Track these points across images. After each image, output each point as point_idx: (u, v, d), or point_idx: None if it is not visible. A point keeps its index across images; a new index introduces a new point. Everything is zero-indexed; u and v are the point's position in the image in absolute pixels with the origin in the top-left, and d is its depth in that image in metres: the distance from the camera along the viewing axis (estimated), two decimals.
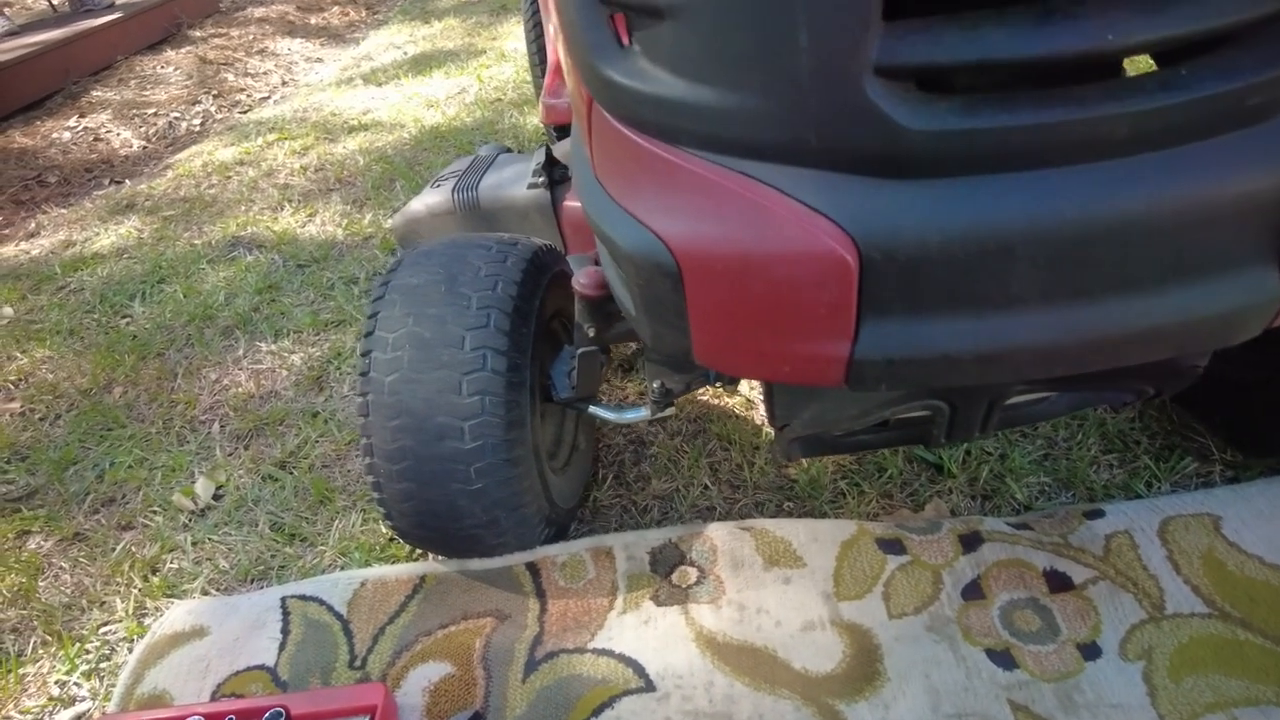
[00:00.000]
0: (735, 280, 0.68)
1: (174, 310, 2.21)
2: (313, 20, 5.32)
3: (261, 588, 1.37)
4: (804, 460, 1.42)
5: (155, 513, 1.56)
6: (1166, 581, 1.10)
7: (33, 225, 2.97)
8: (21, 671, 1.29)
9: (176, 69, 4.43)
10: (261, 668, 1.19)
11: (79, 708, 1.23)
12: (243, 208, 2.77)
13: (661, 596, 1.18)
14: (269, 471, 1.61)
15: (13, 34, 4.46)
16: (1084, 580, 1.13)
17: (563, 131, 1.95)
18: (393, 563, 1.36)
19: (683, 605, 1.17)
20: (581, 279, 1.11)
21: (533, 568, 1.24)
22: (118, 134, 3.71)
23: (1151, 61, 0.71)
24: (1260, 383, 1.21)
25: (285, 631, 1.24)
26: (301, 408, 1.77)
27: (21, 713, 1.23)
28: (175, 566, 1.45)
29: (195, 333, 2.09)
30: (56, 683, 1.27)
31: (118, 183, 3.28)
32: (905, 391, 0.89)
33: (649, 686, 1.07)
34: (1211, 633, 1.04)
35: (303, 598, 1.28)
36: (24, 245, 2.81)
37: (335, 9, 5.50)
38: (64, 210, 3.07)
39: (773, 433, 1.49)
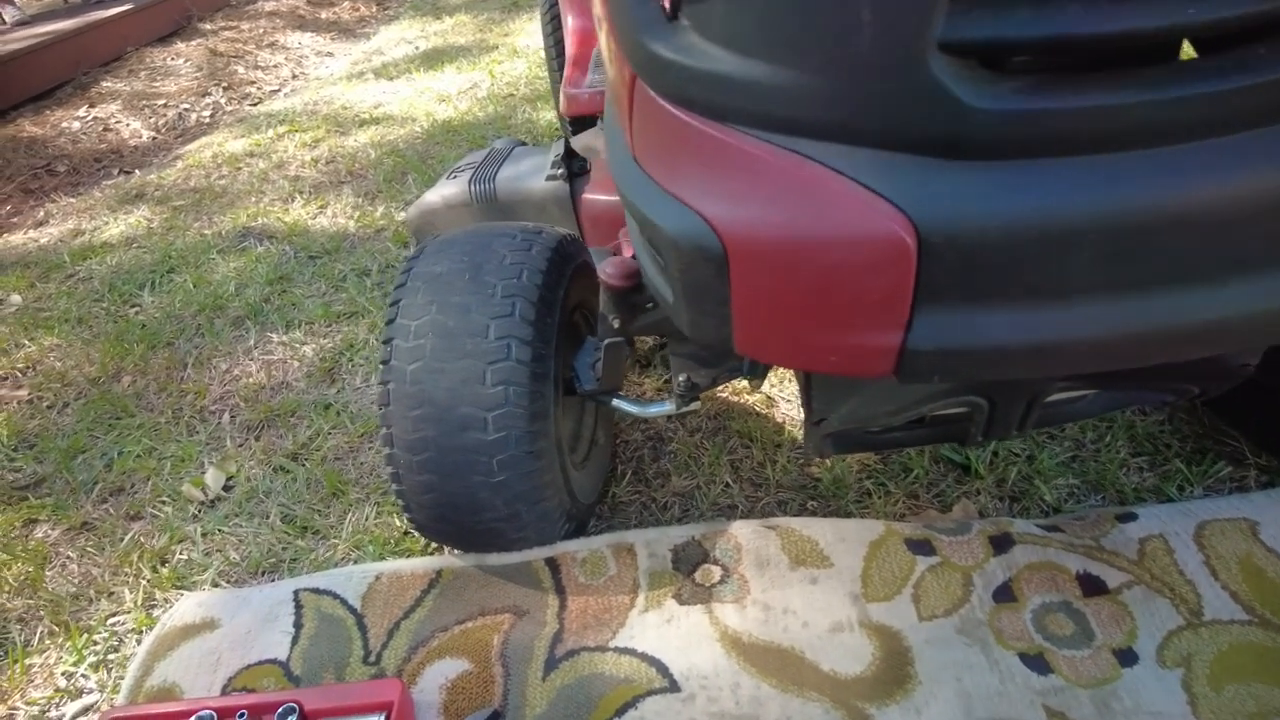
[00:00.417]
0: (785, 264, 0.66)
1: (184, 300, 2.18)
2: (323, 15, 5.30)
3: (273, 580, 1.35)
4: (828, 459, 1.40)
5: (164, 503, 1.54)
6: (1204, 587, 1.08)
7: (41, 214, 2.95)
8: (28, 662, 1.27)
9: (187, 61, 4.41)
10: (274, 662, 1.17)
11: (86, 700, 1.21)
12: (253, 199, 2.75)
13: (684, 595, 1.16)
14: (280, 463, 1.59)
15: (24, 24, 4.45)
16: (1118, 584, 1.10)
17: (580, 125, 1.93)
18: (408, 556, 1.33)
19: (706, 604, 1.14)
20: (608, 268, 1.09)
21: (552, 563, 1.21)
22: (127, 124, 3.69)
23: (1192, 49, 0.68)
24: None
25: (298, 625, 1.21)
26: (313, 399, 1.74)
27: (28, 704, 1.20)
28: (185, 557, 1.42)
29: (205, 323, 2.07)
30: (64, 674, 1.25)
31: (127, 173, 3.26)
32: (950, 385, 0.86)
33: (673, 687, 1.04)
34: (1252, 640, 1.01)
35: (316, 591, 1.26)
36: (33, 233, 2.79)
37: (346, 3, 5.48)
38: (73, 199, 3.05)
39: (795, 431, 1.46)
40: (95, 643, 1.29)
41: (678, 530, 1.25)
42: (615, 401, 1.23)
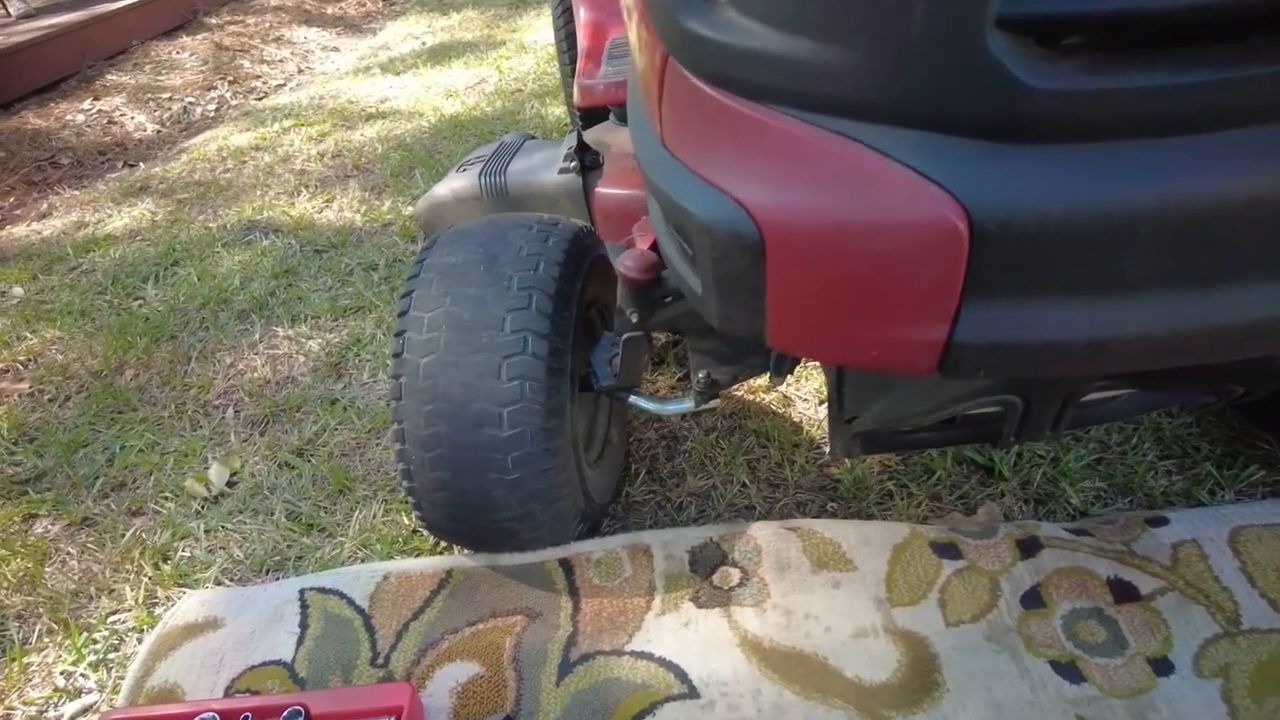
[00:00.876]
0: (826, 252, 0.62)
1: (188, 293, 2.15)
2: (329, 10, 5.27)
3: (278, 579, 1.31)
4: (848, 460, 1.36)
5: (167, 499, 1.51)
6: (1241, 595, 1.04)
7: (45, 206, 2.92)
8: (26, 661, 1.23)
9: (192, 55, 4.38)
10: (278, 663, 1.13)
11: (86, 700, 1.17)
12: (258, 192, 2.72)
13: (702, 598, 1.12)
14: (286, 459, 1.55)
15: (29, 16, 4.42)
16: (1151, 591, 1.07)
17: (591, 118, 1.90)
18: (417, 555, 1.30)
19: (725, 608, 1.11)
20: (627, 261, 1.06)
21: (566, 564, 1.18)
22: (132, 117, 3.66)
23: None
24: None
25: (303, 626, 1.18)
26: (320, 394, 1.71)
27: (26, 704, 1.17)
28: (187, 555, 1.39)
29: (209, 316, 2.04)
30: (62, 673, 1.21)
31: (131, 166, 3.23)
32: (988, 384, 0.83)
33: (692, 693, 1.01)
34: None
35: (322, 590, 1.22)
36: (36, 225, 2.76)
37: None
38: (77, 192, 3.02)
39: (813, 431, 1.43)
40: (95, 641, 1.25)
41: (695, 531, 1.21)
42: (632, 398, 1.20)
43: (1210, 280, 0.60)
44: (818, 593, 1.10)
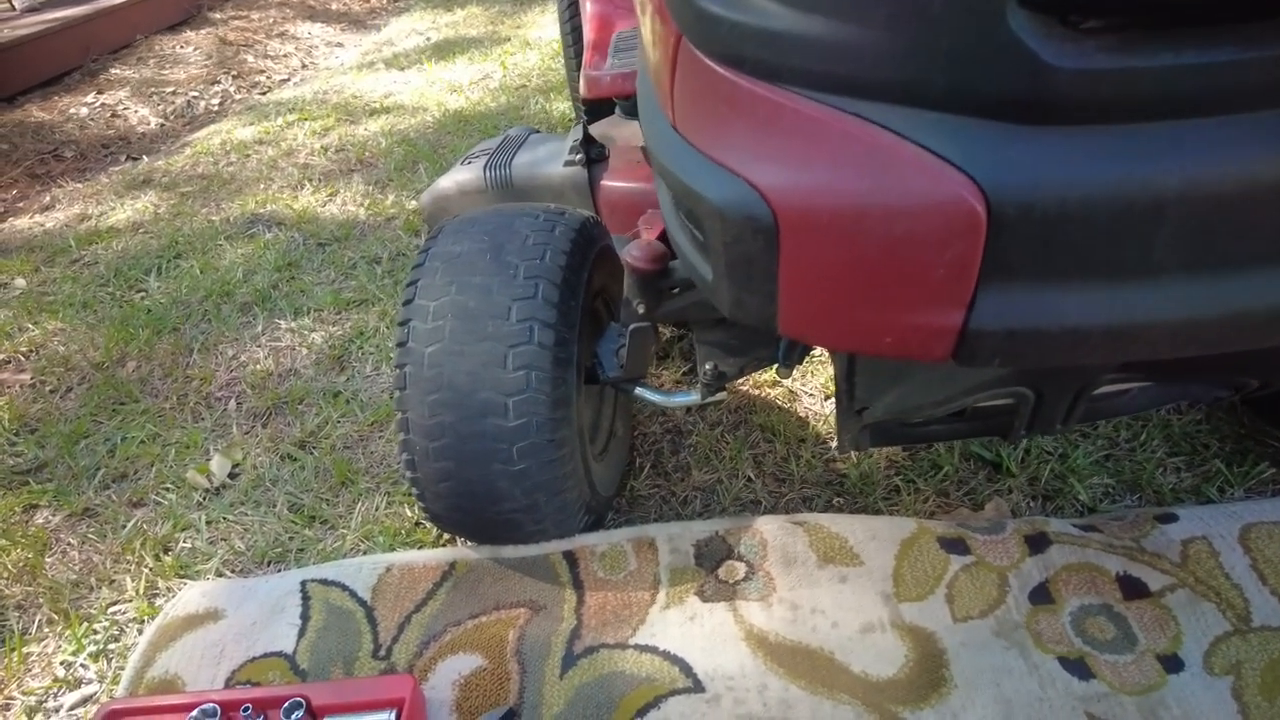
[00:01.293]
0: (840, 235, 0.61)
1: (190, 285, 2.14)
2: (333, 5, 5.26)
3: (280, 570, 1.30)
4: (854, 455, 1.35)
5: (168, 490, 1.50)
6: (1251, 592, 1.03)
7: (48, 199, 2.91)
8: (26, 651, 1.22)
9: (196, 49, 4.37)
10: (279, 655, 1.13)
11: (85, 690, 1.17)
12: (262, 186, 2.71)
13: (707, 592, 1.11)
14: (288, 451, 1.54)
15: (33, 10, 4.41)
16: (1161, 587, 1.06)
17: (596, 111, 1.89)
18: (419, 548, 1.29)
19: (730, 602, 1.10)
20: (634, 251, 1.05)
21: (570, 557, 1.17)
22: (136, 111, 3.65)
23: None
24: None
25: (305, 617, 1.17)
26: (322, 387, 1.70)
27: (25, 694, 1.16)
28: (189, 546, 1.38)
29: (212, 308, 2.03)
30: (62, 663, 1.20)
31: (135, 159, 3.22)
32: (1001, 374, 0.82)
33: (697, 687, 1.00)
34: None
35: (324, 582, 1.21)
36: (38, 218, 2.75)
37: None
38: (79, 185, 3.01)
39: (819, 425, 1.42)
40: (95, 632, 1.24)
41: (700, 525, 1.20)
42: (638, 390, 1.19)
43: (1233, 265, 0.59)
44: (824, 587, 1.09)
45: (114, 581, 1.33)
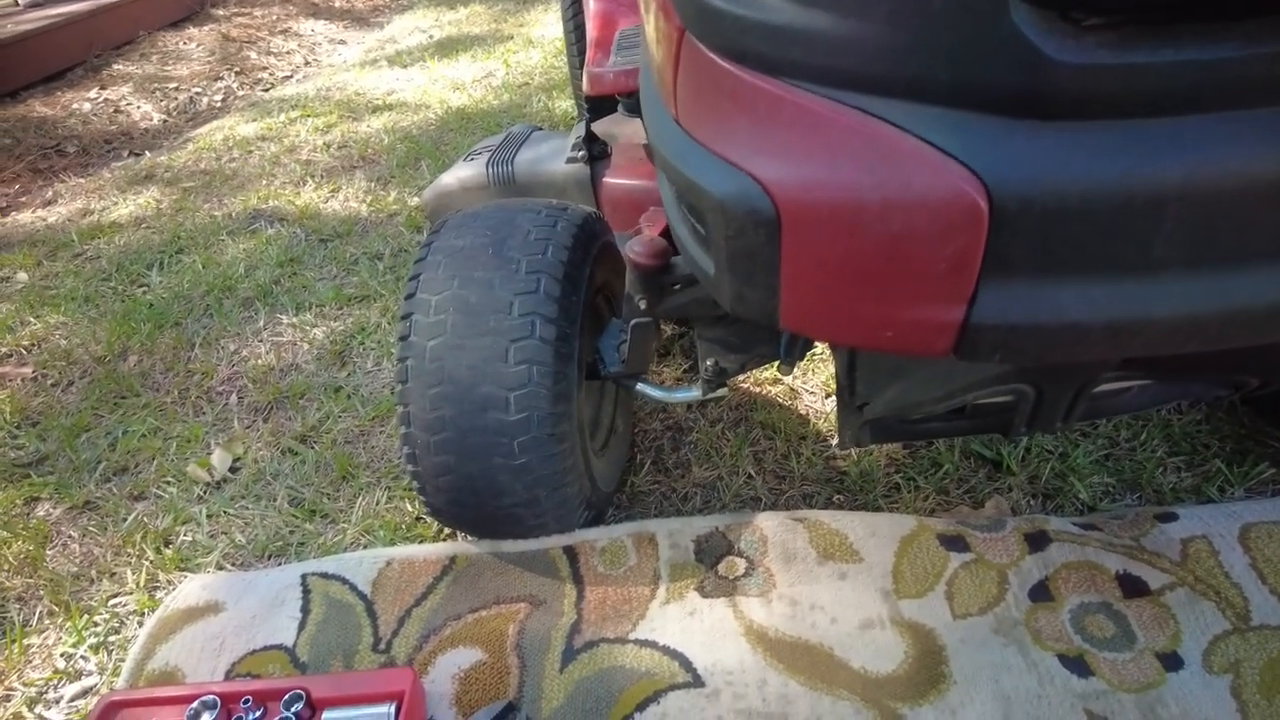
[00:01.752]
0: (843, 228, 0.61)
1: (192, 280, 2.15)
2: (336, 3, 5.27)
3: (280, 564, 1.31)
4: (854, 452, 1.35)
5: (169, 483, 1.50)
6: (1251, 591, 1.03)
7: (50, 193, 2.91)
8: (26, 642, 1.23)
9: (199, 45, 4.38)
10: (280, 648, 1.13)
11: (86, 682, 1.17)
12: (264, 182, 2.72)
13: (707, 587, 1.11)
14: (289, 445, 1.55)
15: (36, 5, 4.41)
16: (1160, 586, 1.06)
17: (599, 109, 1.89)
18: (420, 542, 1.29)
19: (730, 598, 1.10)
20: (636, 247, 1.05)
21: (570, 552, 1.17)
22: (138, 107, 3.66)
23: None
24: None
25: (305, 611, 1.17)
26: (323, 382, 1.71)
27: (26, 685, 1.16)
28: (189, 539, 1.38)
29: (214, 303, 2.03)
30: (63, 655, 1.21)
31: (137, 154, 3.23)
32: (1001, 370, 0.82)
33: (697, 682, 1.00)
34: None
35: (324, 576, 1.22)
36: (41, 212, 2.75)
37: None
38: (82, 179, 3.01)
39: (819, 423, 1.42)
40: (96, 624, 1.25)
41: (701, 521, 1.21)
42: (640, 386, 1.19)
43: (1233, 262, 0.59)
44: (824, 583, 1.09)
45: (114, 574, 1.33)
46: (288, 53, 4.39)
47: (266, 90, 3.86)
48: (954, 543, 1.12)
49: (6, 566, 1.35)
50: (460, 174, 1.74)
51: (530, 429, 1.01)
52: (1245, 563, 1.06)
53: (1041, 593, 1.07)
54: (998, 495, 1.26)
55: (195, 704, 1.00)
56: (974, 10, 0.54)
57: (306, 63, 4.27)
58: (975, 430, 1.00)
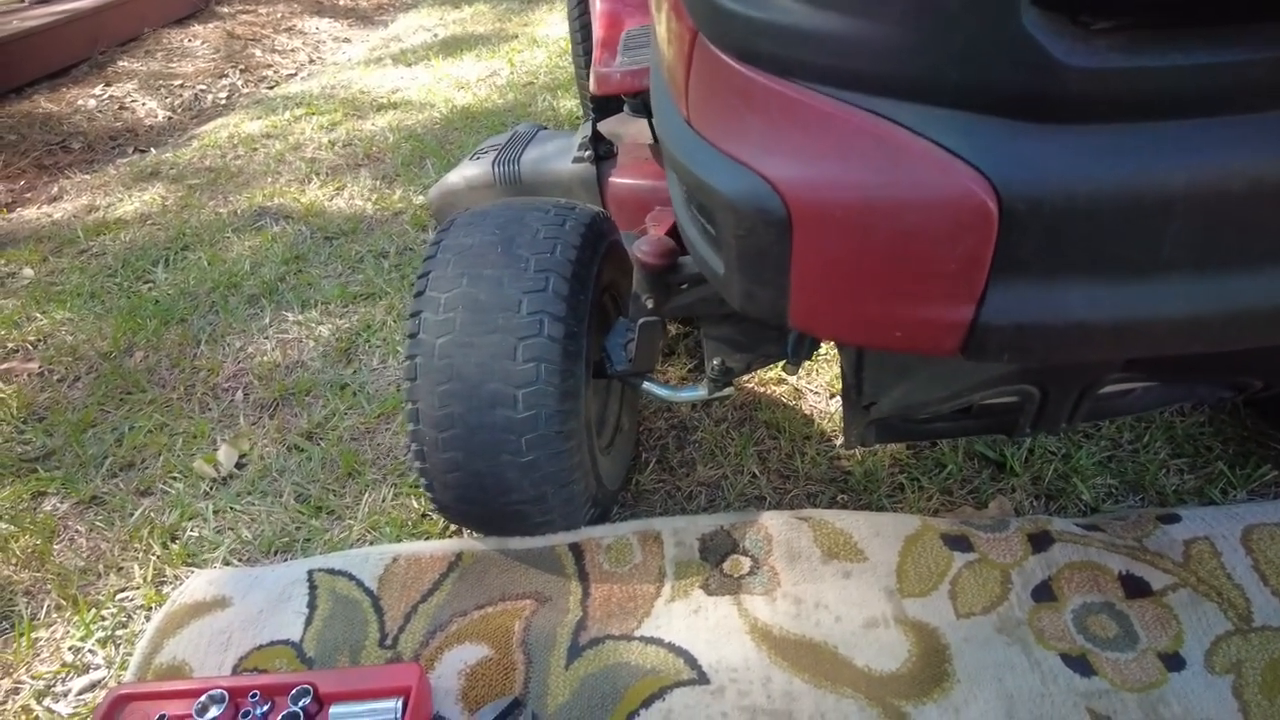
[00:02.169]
0: (853, 229, 0.62)
1: (198, 277, 2.15)
2: (340, 1, 5.27)
3: (286, 560, 1.31)
4: (859, 453, 1.36)
5: (175, 479, 1.51)
6: (1253, 592, 1.04)
7: (55, 189, 2.92)
8: (34, 636, 1.23)
9: (204, 43, 4.39)
10: (286, 643, 1.13)
11: (93, 675, 1.17)
12: (269, 179, 2.72)
13: (712, 585, 1.12)
14: (295, 442, 1.55)
15: (42, 1, 4.42)
16: (1163, 587, 1.06)
17: (605, 109, 1.90)
18: (426, 539, 1.30)
19: (735, 596, 1.10)
20: (644, 246, 1.06)
21: (576, 549, 1.18)
22: (143, 104, 3.66)
23: None
24: None
25: (312, 606, 1.18)
26: (329, 379, 1.71)
27: (34, 678, 1.17)
28: (196, 535, 1.39)
29: (219, 300, 2.04)
30: (70, 649, 1.21)
31: (142, 151, 3.23)
32: (1008, 370, 0.83)
33: (702, 679, 1.00)
34: None
35: (331, 572, 1.22)
36: (46, 209, 2.76)
37: None
38: (87, 176, 3.02)
39: (824, 423, 1.43)
40: (103, 618, 1.25)
41: (706, 519, 1.21)
42: (646, 385, 1.20)
43: (1239, 264, 0.60)
44: (828, 582, 1.10)
45: (122, 569, 1.33)
46: (292, 50, 4.40)
47: (271, 88, 3.87)
48: (958, 542, 1.13)
49: (14, 560, 1.36)
50: (466, 173, 1.75)
51: (538, 426, 1.01)
52: (1247, 564, 1.07)
53: (1045, 593, 1.07)
54: (1001, 496, 1.26)
55: (203, 698, 1.01)
56: (985, 14, 0.55)
57: (311, 61, 4.28)
58: (980, 430, 1.01)
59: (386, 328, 1.85)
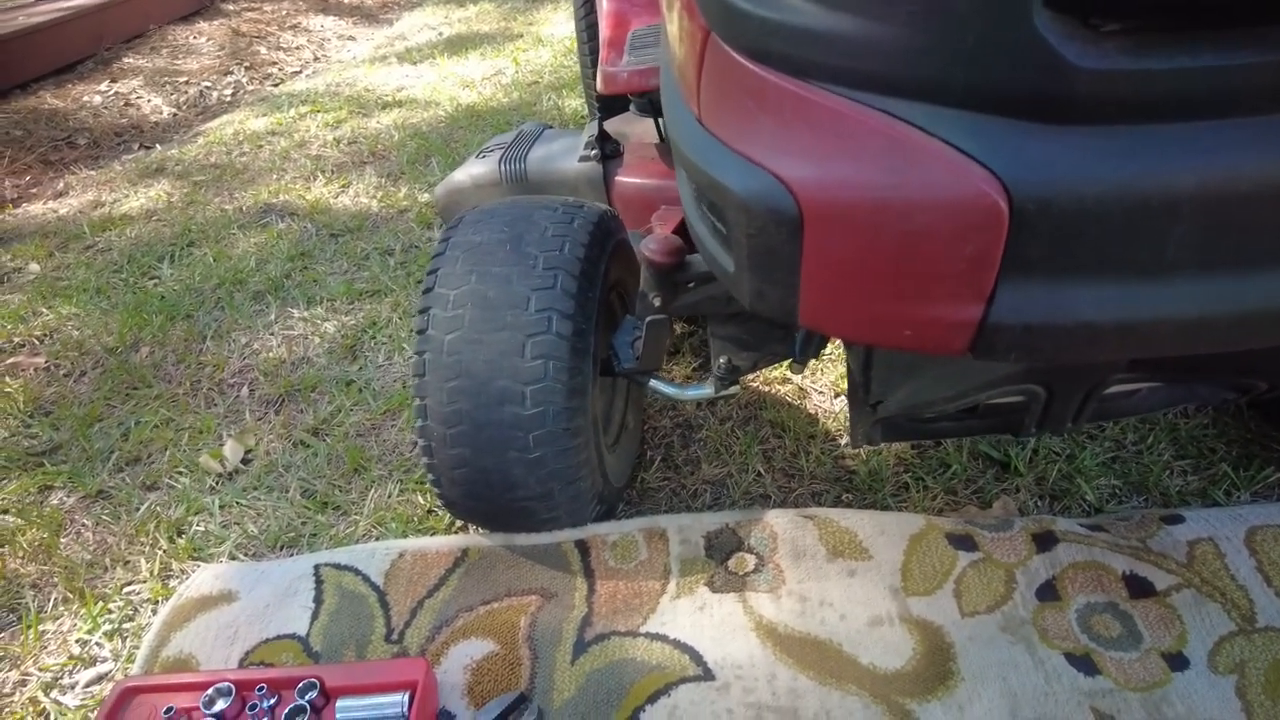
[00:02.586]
0: (864, 228, 0.62)
1: (203, 273, 2.16)
2: None
3: (292, 555, 1.32)
4: (863, 452, 1.37)
5: (181, 474, 1.52)
6: (1256, 593, 1.04)
7: (61, 185, 2.93)
8: (41, 628, 1.24)
9: (209, 40, 4.40)
10: (293, 637, 1.14)
11: (100, 668, 1.18)
12: (274, 176, 2.73)
13: (717, 583, 1.13)
14: (301, 438, 1.56)
15: None
16: (1167, 587, 1.07)
17: (611, 108, 1.91)
18: (432, 534, 1.30)
19: (740, 593, 1.11)
20: (651, 244, 1.06)
21: (582, 546, 1.18)
22: (149, 100, 3.67)
23: None
24: None
25: (318, 601, 1.18)
26: (335, 375, 1.72)
27: (41, 670, 1.18)
28: (202, 529, 1.40)
29: (225, 296, 2.04)
30: (77, 641, 1.22)
31: (147, 147, 3.24)
32: (1015, 370, 0.83)
33: (707, 675, 1.01)
34: None
35: (337, 566, 1.23)
36: (52, 204, 2.77)
37: None
38: (93, 172, 3.03)
39: (828, 422, 1.43)
40: (110, 611, 1.26)
41: (711, 517, 1.22)
42: (653, 383, 1.20)
43: (1246, 265, 0.60)
44: (833, 580, 1.11)
45: (128, 562, 1.34)
46: (297, 48, 4.40)
47: (276, 85, 3.87)
48: (962, 542, 1.13)
49: (21, 553, 1.37)
50: (473, 171, 1.76)
51: (545, 423, 1.02)
52: (1251, 565, 1.07)
53: (1049, 592, 1.08)
54: (1005, 496, 1.27)
55: (210, 691, 1.01)
56: (997, 15, 0.55)
57: (316, 58, 4.28)
58: (986, 430, 1.01)
59: (392, 324, 1.86)
